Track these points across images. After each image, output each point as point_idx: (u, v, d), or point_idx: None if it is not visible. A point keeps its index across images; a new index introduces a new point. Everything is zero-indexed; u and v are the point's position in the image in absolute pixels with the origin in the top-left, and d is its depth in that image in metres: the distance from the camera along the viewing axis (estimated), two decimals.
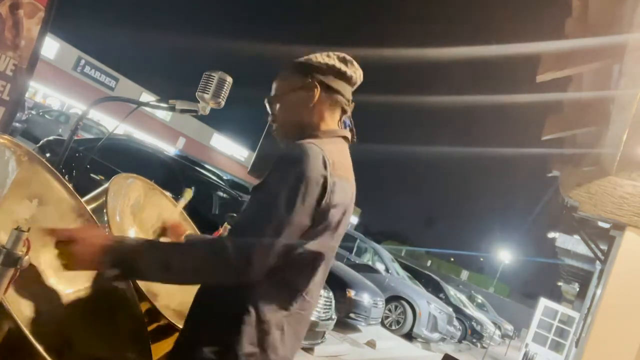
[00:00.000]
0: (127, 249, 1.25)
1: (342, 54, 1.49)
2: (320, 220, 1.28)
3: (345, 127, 1.50)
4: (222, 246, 1.20)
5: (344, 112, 1.49)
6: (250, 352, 1.24)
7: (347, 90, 1.49)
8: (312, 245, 1.29)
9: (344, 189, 1.34)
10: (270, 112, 1.51)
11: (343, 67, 1.46)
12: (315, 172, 1.26)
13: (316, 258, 1.33)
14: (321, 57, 1.46)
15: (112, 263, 1.22)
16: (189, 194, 2.12)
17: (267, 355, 1.26)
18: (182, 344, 1.34)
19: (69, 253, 1.22)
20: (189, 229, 1.98)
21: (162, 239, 1.81)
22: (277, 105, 1.48)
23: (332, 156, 1.31)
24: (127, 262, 1.23)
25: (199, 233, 2.19)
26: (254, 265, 1.20)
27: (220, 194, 6.97)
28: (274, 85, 1.50)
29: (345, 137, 1.47)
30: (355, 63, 1.49)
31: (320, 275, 1.37)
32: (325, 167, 1.27)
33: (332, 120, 1.47)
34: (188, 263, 1.23)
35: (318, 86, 1.43)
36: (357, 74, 1.49)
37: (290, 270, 1.29)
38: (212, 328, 1.28)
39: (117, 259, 1.22)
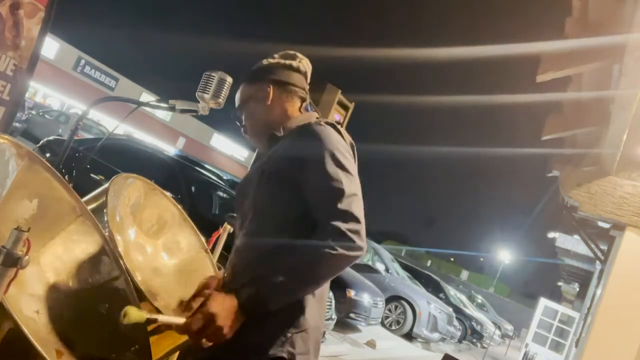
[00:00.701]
0: (254, 294, 1.22)
1: (285, 52, 1.61)
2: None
3: (307, 112, 1.60)
4: (337, 231, 1.24)
5: (302, 100, 1.59)
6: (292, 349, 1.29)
7: (300, 80, 1.58)
8: None
9: (354, 148, 1.46)
10: (239, 123, 1.61)
11: (288, 61, 1.57)
12: (344, 142, 1.40)
13: None
14: (266, 60, 1.58)
15: (253, 313, 1.22)
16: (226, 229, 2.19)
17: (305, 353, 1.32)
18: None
19: (215, 334, 1.18)
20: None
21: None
22: (243, 117, 1.59)
23: (335, 125, 1.43)
24: (263, 304, 1.22)
25: (199, 233, 2.19)
26: (363, 239, 1.27)
27: (220, 194, 6.97)
28: (236, 97, 1.61)
29: (317, 119, 1.53)
30: (298, 54, 1.60)
31: None
32: (342, 135, 1.40)
33: (294, 110, 1.56)
34: (316, 263, 1.25)
35: (270, 85, 1.54)
36: (302, 62, 1.59)
37: None
38: (257, 331, 1.27)
39: (254, 308, 1.22)
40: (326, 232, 1.25)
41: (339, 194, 1.28)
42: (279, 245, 1.33)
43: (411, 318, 10.57)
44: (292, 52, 1.61)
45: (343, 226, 1.24)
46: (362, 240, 1.27)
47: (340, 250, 1.22)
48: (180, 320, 1.22)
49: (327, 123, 1.42)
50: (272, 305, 1.23)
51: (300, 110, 1.58)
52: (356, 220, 1.27)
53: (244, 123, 1.59)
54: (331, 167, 1.31)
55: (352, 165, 1.36)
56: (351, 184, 1.31)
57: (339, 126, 1.44)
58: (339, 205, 1.27)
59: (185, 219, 2.18)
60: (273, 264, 1.26)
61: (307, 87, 1.61)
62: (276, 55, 1.59)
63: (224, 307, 1.19)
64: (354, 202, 1.29)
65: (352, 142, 1.46)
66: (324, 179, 1.31)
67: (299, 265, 1.25)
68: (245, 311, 1.21)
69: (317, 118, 1.53)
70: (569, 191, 4.62)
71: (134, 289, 1.57)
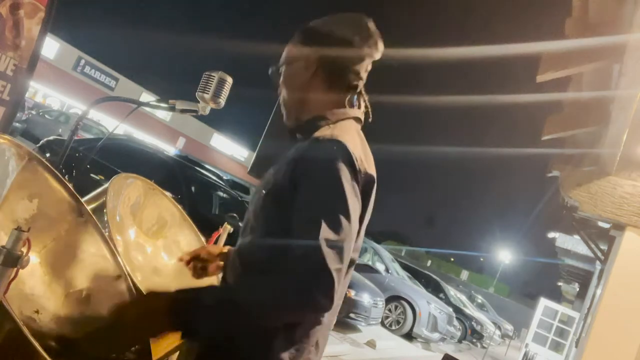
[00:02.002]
0: (191, 307, 1.09)
1: (359, 20, 1.31)
2: (362, 219, 1.21)
3: (353, 106, 1.33)
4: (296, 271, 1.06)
5: (352, 88, 1.31)
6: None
7: (358, 65, 1.30)
8: (353, 254, 1.20)
9: (373, 182, 1.24)
10: (275, 80, 1.38)
11: (356, 39, 1.28)
12: (350, 173, 1.14)
13: (352, 263, 1.23)
14: (332, 24, 1.30)
15: (180, 325, 1.08)
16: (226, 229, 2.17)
17: None
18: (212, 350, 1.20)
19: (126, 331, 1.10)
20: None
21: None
22: (281, 77, 1.36)
23: (356, 150, 1.18)
24: (194, 323, 1.08)
25: (199, 233, 2.19)
26: (334, 283, 1.06)
27: (220, 194, 6.97)
28: (285, 50, 1.37)
29: (357, 118, 1.33)
30: (374, 35, 1.30)
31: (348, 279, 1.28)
32: (354, 165, 1.16)
33: (338, 98, 1.30)
34: (263, 294, 1.08)
35: (318, 58, 1.28)
36: (372, 48, 1.30)
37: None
38: (248, 340, 1.16)
39: (184, 321, 1.08)
40: (292, 273, 1.06)
41: (316, 238, 1.06)
42: (254, 267, 1.19)
43: (411, 318, 10.57)
44: (369, 25, 1.30)
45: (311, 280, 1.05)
46: (325, 299, 1.05)
47: (298, 305, 1.06)
48: None
49: (346, 147, 1.16)
50: (200, 328, 1.08)
51: (346, 104, 1.31)
52: (325, 277, 1.05)
53: (280, 83, 1.36)
54: (318, 206, 1.11)
55: (352, 207, 1.13)
56: (338, 233, 1.09)
57: (356, 149, 1.18)
58: (312, 256, 1.06)
59: (185, 219, 2.18)
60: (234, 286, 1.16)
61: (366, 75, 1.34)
62: (346, 22, 1.30)
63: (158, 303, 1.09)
64: (332, 253, 1.07)
65: (368, 173, 1.20)
66: (307, 214, 1.11)
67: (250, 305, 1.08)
68: (173, 318, 1.08)
69: (357, 118, 1.32)
70: (569, 191, 4.62)
71: (134, 289, 1.57)
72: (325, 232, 1.08)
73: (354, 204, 1.14)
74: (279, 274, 1.09)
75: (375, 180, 1.25)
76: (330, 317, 1.25)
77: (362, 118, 1.35)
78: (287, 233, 1.12)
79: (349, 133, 1.23)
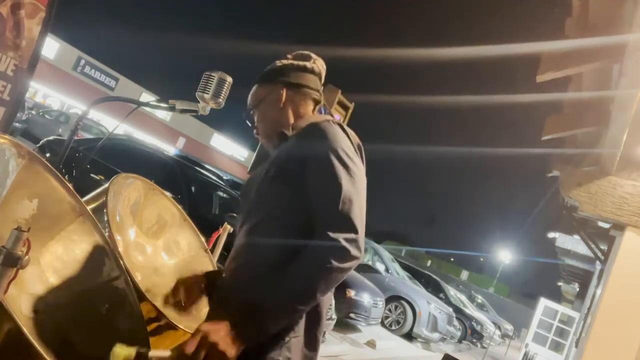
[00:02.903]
0: (248, 320, 1.19)
1: (298, 52, 1.58)
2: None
3: (321, 114, 1.57)
4: (336, 247, 1.22)
5: (316, 102, 1.57)
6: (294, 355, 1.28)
7: (314, 81, 1.55)
8: None
9: (362, 150, 1.44)
10: (251, 125, 1.58)
11: (301, 63, 1.54)
12: (351, 142, 1.37)
13: None
14: (279, 62, 1.55)
15: (249, 340, 1.18)
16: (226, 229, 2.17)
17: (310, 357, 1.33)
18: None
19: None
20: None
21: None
22: (255, 119, 1.56)
23: (344, 126, 1.41)
24: (258, 329, 1.19)
25: (199, 233, 2.19)
26: (359, 248, 1.25)
27: (220, 194, 6.97)
28: (248, 101, 1.58)
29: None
30: (312, 55, 1.57)
31: None
32: (349, 137, 1.38)
33: (306, 112, 1.54)
34: (310, 279, 1.22)
35: (283, 87, 1.51)
36: (317, 63, 1.57)
37: None
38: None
39: (250, 337, 1.18)
40: (322, 242, 1.23)
41: (338, 198, 1.26)
42: (278, 257, 1.29)
43: (411, 318, 10.56)
44: (305, 52, 1.58)
45: (340, 236, 1.22)
46: (358, 250, 1.24)
47: (336, 264, 1.21)
48: (168, 353, 1.19)
49: (334, 123, 1.39)
50: (272, 329, 1.21)
51: (313, 113, 1.55)
52: (353, 228, 1.25)
53: (256, 124, 1.57)
54: (333, 169, 1.29)
55: (356, 166, 1.33)
56: (352, 187, 1.29)
57: (346, 127, 1.41)
58: (337, 211, 1.25)
59: (185, 219, 2.18)
60: (270, 287, 1.22)
61: (321, 88, 1.58)
62: (289, 56, 1.57)
63: (220, 336, 1.15)
64: (354, 207, 1.27)
65: (360, 143, 1.43)
66: (324, 181, 1.29)
67: (296, 287, 1.22)
68: (246, 339, 1.17)
69: (327, 120, 1.49)
70: (569, 191, 4.62)
71: (134, 289, 1.57)
72: (345, 202, 1.26)
73: (359, 169, 1.34)
74: (301, 261, 1.24)
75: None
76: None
77: (333, 119, 1.53)
78: (298, 212, 1.30)
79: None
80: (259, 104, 1.55)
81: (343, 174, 1.29)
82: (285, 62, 1.55)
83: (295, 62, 1.54)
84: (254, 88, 1.58)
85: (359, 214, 1.28)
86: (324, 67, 1.59)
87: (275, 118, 1.52)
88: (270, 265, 1.30)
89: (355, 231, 1.25)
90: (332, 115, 1.57)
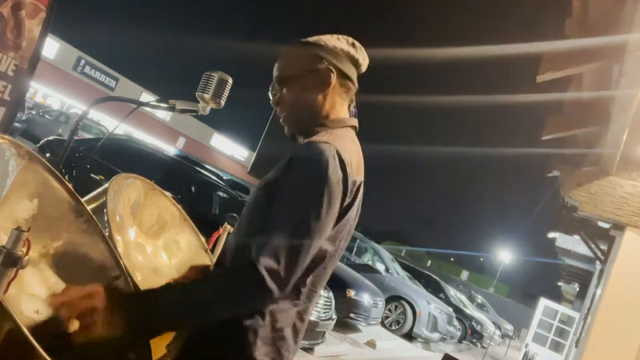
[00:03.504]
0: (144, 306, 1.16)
1: (350, 38, 1.41)
2: (339, 222, 1.25)
3: (351, 115, 1.45)
4: (252, 271, 1.12)
5: (351, 101, 1.44)
6: (266, 354, 1.22)
7: (356, 77, 1.42)
8: (329, 246, 1.26)
9: (359, 187, 1.30)
10: (274, 95, 1.40)
11: (355, 54, 1.39)
12: (336, 177, 1.19)
13: (331, 257, 1.30)
14: (334, 41, 1.37)
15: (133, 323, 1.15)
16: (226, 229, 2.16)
17: (281, 354, 1.25)
18: (189, 353, 1.26)
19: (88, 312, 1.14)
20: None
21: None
22: (285, 89, 1.37)
23: (349, 155, 1.25)
24: (148, 319, 1.16)
25: (199, 233, 2.19)
26: (288, 283, 1.15)
27: (220, 194, 6.97)
28: (279, 66, 1.39)
29: (353, 127, 1.41)
30: (364, 50, 1.42)
31: (331, 271, 1.35)
32: (345, 171, 1.22)
33: (342, 109, 1.39)
34: (216, 295, 1.15)
35: (334, 71, 1.34)
36: (365, 60, 1.43)
37: (309, 273, 1.26)
38: (224, 339, 1.21)
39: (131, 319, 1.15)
40: (245, 265, 1.13)
41: (282, 230, 1.14)
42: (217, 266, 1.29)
43: (411, 318, 10.57)
44: (357, 43, 1.41)
45: (262, 263, 1.11)
46: (277, 285, 1.12)
47: (247, 292, 1.13)
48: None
49: (334, 150, 1.22)
50: (155, 324, 1.16)
51: (347, 113, 1.41)
52: (278, 268, 1.12)
53: (282, 96, 1.37)
54: (299, 200, 1.18)
55: (331, 208, 1.19)
56: (309, 229, 1.16)
57: (348, 157, 1.23)
58: (272, 242, 1.13)
59: (185, 219, 2.17)
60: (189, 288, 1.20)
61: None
62: (342, 38, 1.39)
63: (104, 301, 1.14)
64: (296, 250, 1.14)
65: (356, 180, 1.27)
66: (283, 206, 1.18)
67: (193, 297, 1.15)
68: (129, 313, 1.14)
69: (354, 126, 1.40)
70: (569, 191, 4.62)
71: (133, 288, 1.57)
72: (280, 231, 1.14)
73: (328, 206, 1.18)
74: (225, 274, 1.21)
75: (362, 185, 1.32)
76: (308, 301, 1.30)
77: (357, 126, 1.43)
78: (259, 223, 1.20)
79: (344, 139, 1.30)
80: (297, 77, 1.35)
81: (308, 208, 1.17)
82: (340, 45, 1.37)
83: (351, 52, 1.38)
84: (291, 54, 1.38)
85: (296, 261, 1.15)
86: (366, 68, 1.45)
87: (311, 103, 1.35)
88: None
89: (278, 263, 1.12)
90: (356, 117, 1.45)
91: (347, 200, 1.24)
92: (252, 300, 1.16)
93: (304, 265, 1.19)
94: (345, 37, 1.41)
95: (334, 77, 1.34)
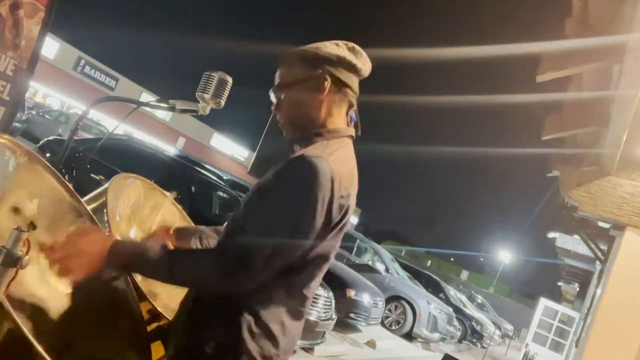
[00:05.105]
0: (127, 254, 1.28)
1: (351, 44, 1.42)
2: (327, 226, 1.29)
3: (351, 122, 1.46)
4: (226, 261, 1.20)
5: (351, 106, 1.44)
6: (252, 350, 1.25)
7: (356, 83, 1.43)
8: (318, 249, 1.30)
9: (349, 198, 1.33)
10: (275, 101, 1.44)
11: (353, 59, 1.40)
12: (324, 191, 1.23)
13: (321, 260, 1.34)
14: (331, 47, 1.40)
15: (114, 266, 1.31)
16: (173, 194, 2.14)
17: (268, 350, 1.27)
18: (181, 350, 1.32)
19: (68, 261, 1.22)
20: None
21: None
22: (283, 95, 1.42)
23: (340, 168, 1.28)
24: (128, 266, 1.31)
25: None
26: (255, 277, 1.21)
27: (220, 194, 6.97)
28: (279, 73, 1.44)
29: (350, 136, 1.43)
30: (364, 53, 1.43)
31: (321, 273, 1.38)
32: (333, 186, 1.25)
33: (339, 116, 1.42)
34: (192, 271, 1.25)
35: (328, 79, 1.37)
36: (366, 65, 1.43)
37: (293, 274, 1.30)
38: (212, 333, 1.27)
39: (118, 264, 1.29)
40: (220, 251, 1.26)
41: (275, 228, 1.22)
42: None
43: (411, 318, 10.56)
44: (358, 47, 1.42)
45: (234, 259, 1.19)
46: (242, 278, 1.20)
47: (217, 278, 1.22)
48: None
49: (326, 162, 1.25)
50: (129, 267, 1.32)
51: (345, 121, 1.43)
52: (247, 264, 1.19)
53: (280, 102, 1.42)
54: (286, 209, 1.23)
55: (317, 214, 1.23)
56: (289, 237, 1.22)
57: (339, 171, 1.27)
58: (255, 233, 1.22)
59: (185, 219, 2.18)
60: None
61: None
62: (342, 44, 1.41)
63: (88, 241, 1.25)
64: (269, 251, 1.20)
65: (344, 194, 1.30)
66: (269, 210, 1.24)
67: (178, 268, 1.25)
68: (111, 254, 1.24)
69: (350, 136, 1.43)
70: (569, 191, 4.62)
71: (134, 288, 1.57)
72: (255, 225, 1.24)
73: (312, 217, 1.23)
74: (213, 253, 1.28)
75: (354, 196, 1.36)
76: (299, 305, 1.34)
77: (354, 135, 1.45)
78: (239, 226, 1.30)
79: (338, 151, 1.33)
80: (293, 84, 1.39)
81: (297, 212, 1.23)
82: (336, 52, 1.39)
83: (348, 58, 1.39)
84: (292, 61, 1.41)
85: (268, 262, 1.21)
86: (369, 71, 1.46)
87: (308, 109, 1.39)
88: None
89: (248, 268, 1.19)
90: (357, 124, 1.48)
91: (334, 214, 1.28)
92: (229, 277, 1.20)
93: (281, 260, 1.24)
94: (345, 42, 1.43)
95: (327, 84, 1.37)
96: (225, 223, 1.46)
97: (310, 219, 1.23)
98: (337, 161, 1.29)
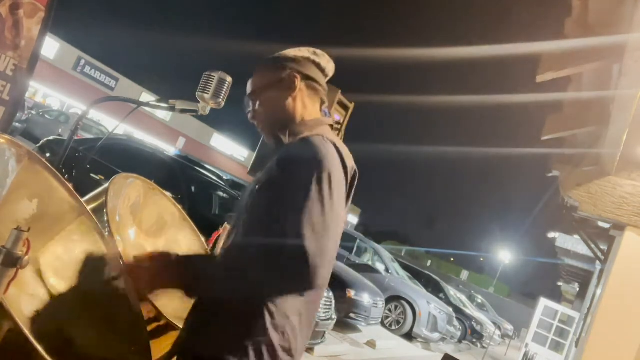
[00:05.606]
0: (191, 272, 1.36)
1: (312, 48, 1.52)
2: (343, 198, 1.33)
3: (325, 116, 1.53)
4: (298, 250, 1.20)
5: (322, 102, 1.52)
6: (274, 343, 1.25)
7: (323, 81, 1.52)
8: (340, 224, 1.33)
9: (356, 174, 1.40)
10: (250, 110, 1.50)
11: (317, 59, 1.50)
12: (332, 161, 1.28)
13: (338, 238, 1.35)
14: (294, 51, 1.49)
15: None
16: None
17: (289, 342, 1.28)
18: (191, 345, 1.32)
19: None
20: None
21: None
22: (257, 103, 1.48)
23: (336, 140, 1.36)
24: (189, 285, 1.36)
25: (199, 233, 2.19)
26: (319, 275, 1.22)
27: (220, 194, 6.97)
28: (250, 83, 1.51)
29: (330, 125, 1.49)
30: (327, 55, 1.52)
31: (334, 258, 1.38)
32: (341, 154, 1.31)
33: (314, 109, 1.49)
34: (256, 274, 1.24)
35: (298, 76, 1.45)
36: (330, 65, 1.53)
37: None
38: (231, 328, 1.27)
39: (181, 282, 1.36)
40: (279, 257, 1.22)
41: (301, 224, 1.21)
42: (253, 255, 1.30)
43: (411, 318, 10.57)
44: (319, 50, 1.52)
45: (307, 247, 1.19)
46: (311, 276, 1.21)
47: (282, 284, 1.24)
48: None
49: (328, 140, 1.32)
50: (191, 291, 1.36)
51: (320, 110, 1.51)
52: (305, 257, 1.19)
53: (256, 109, 1.48)
54: (311, 193, 1.23)
55: (337, 195, 1.27)
56: (320, 217, 1.23)
57: (341, 148, 1.34)
58: (300, 233, 1.20)
59: (185, 219, 2.17)
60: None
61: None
62: (303, 49, 1.51)
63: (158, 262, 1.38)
64: (318, 237, 1.21)
65: (355, 167, 1.38)
66: (297, 204, 1.23)
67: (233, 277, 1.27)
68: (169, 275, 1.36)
69: (324, 132, 1.43)
70: (569, 191, 4.62)
71: (133, 288, 1.57)
72: (307, 224, 1.21)
73: (332, 195, 1.25)
74: (267, 261, 1.24)
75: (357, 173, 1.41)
76: (315, 297, 1.35)
77: (333, 126, 1.52)
78: (276, 225, 1.25)
79: (328, 133, 1.41)
80: (266, 88, 1.46)
81: (315, 203, 1.23)
82: (301, 54, 1.49)
83: (312, 57, 1.49)
84: (260, 71, 1.49)
85: (321, 246, 1.22)
86: (333, 71, 1.55)
87: (282, 107, 1.44)
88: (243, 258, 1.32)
89: (306, 261, 1.20)
90: (333, 118, 1.58)
91: (346, 187, 1.33)
92: (294, 279, 1.23)
93: (332, 252, 1.27)
94: (307, 47, 1.52)
95: (298, 81, 1.45)
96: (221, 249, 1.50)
97: (329, 194, 1.25)
98: (333, 137, 1.37)
